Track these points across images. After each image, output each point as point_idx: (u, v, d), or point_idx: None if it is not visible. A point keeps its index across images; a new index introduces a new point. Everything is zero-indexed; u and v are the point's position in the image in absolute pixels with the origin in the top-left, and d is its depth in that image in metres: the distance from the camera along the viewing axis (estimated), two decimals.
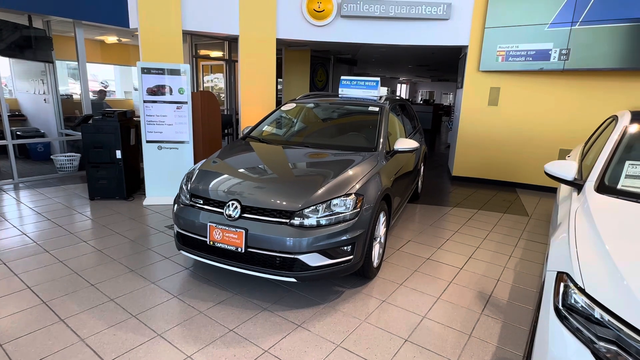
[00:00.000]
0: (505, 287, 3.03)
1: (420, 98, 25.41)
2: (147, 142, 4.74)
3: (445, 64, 11.94)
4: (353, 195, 2.66)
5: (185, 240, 2.83)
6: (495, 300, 2.83)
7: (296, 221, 2.49)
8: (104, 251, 3.38)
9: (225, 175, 2.91)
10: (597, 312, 1.36)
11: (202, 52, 9.28)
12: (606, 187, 2.10)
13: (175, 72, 4.68)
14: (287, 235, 2.45)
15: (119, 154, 4.76)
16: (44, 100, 7.06)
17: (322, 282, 2.94)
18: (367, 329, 2.41)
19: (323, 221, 2.53)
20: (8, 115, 7.76)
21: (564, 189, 2.67)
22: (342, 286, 2.92)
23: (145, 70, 4.61)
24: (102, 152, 4.72)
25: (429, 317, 2.56)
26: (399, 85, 24.20)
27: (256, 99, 6.47)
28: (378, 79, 4.49)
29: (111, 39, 8.84)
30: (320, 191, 2.62)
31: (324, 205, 2.57)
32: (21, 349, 2.11)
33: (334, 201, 2.60)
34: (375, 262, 3.06)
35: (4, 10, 5.10)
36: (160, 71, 4.65)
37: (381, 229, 3.11)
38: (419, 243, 3.83)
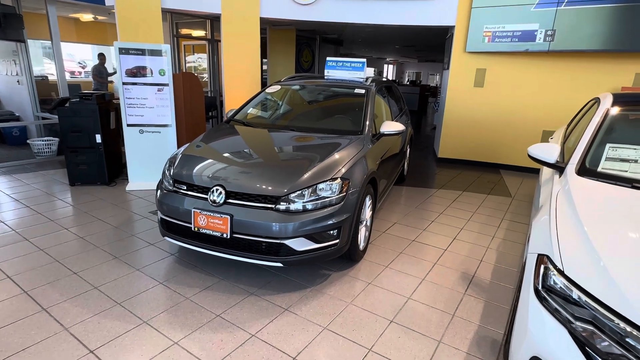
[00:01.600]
0: (487, 267, 3.10)
1: (407, 79, 25.29)
2: (128, 125, 4.61)
3: (432, 44, 11.85)
4: (339, 180, 2.65)
5: (170, 226, 2.79)
6: (478, 280, 2.90)
7: (282, 206, 2.48)
8: (86, 238, 3.31)
9: (209, 160, 2.85)
10: (575, 293, 1.40)
11: (184, 31, 8.97)
12: (587, 169, 2.14)
13: (155, 52, 4.52)
14: (273, 221, 2.44)
15: (98, 138, 4.61)
16: (17, 81, 6.76)
17: (309, 265, 2.96)
18: (353, 311, 2.45)
19: (309, 206, 2.52)
20: None
21: (546, 171, 2.71)
22: (329, 269, 2.95)
23: (124, 51, 4.43)
24: (80, 137, 4.57)
25: (414, 298, 2.61)
26: (385, 66, 24.00)
27: (240, 81, 6.32)
28: (364, 60, 4.42)
29: (87, 17, 8.46)
30: (305, 176, 2.60)
31: (310, 189, 2.56)
32: (3, 340, 2.07)
33: (320, 185, 2.59)
34: (362, 245, 3.08)
35: None
36: (140, 52, 4.48)
37: (367, 213, 3.12)
38: (405, 225, 3.88)
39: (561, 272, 1.47)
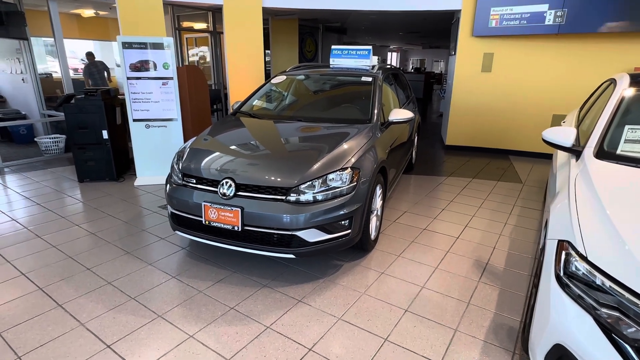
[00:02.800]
0: (501, 254, 3.07)
1: (411, 66, 24.97)
2: (134, 120, 4.60)
3: (437, 30, 11.65)
4: (349, 169, 2.62)
5: (180, 220, 2.78)
6: (491, 267, 2.87)
7: (292, 197, 2.45)
8: (97, 234, 3.33)
9: (218, 153, 2.83)
10: (599, 279, 1.37)
11: (185, 24, 8.90)
12: (605, 152, 2.08)
13: (158, 46, 4.48)
14: (284, 212, 2.42)
15: (105, 134, 4.61)
16: (22, 80, 6.76)
17: (321, 256, 2.94)
18: (367, 301, 2.44)
19: (320, 196, 2.49)
20: None
21: (561, 156, 2.65)
22: (340, 260, 2.93)
23: (127, 45, 4.39)
24: (87, 133, 4.57)
25: (428, 287, 2.59)
26: (389, 53, 23.71)
27: (244, 73, 6.26)
28: (370, 47, 4.34)
29: (88, 13, 8.41)
30: (315, 166, 2.57)
31: (320, 180, 2.53)
32: (20, 336, 2.09)
33: (330, 176, 2.56)
34: (373, 234, 3.06)
35: None
36: (143, 45, 4.44)
37: (378, 202, 3.09)
38: (415, 214, 3.84)
39: (584, 258, 1.43)
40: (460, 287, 2.60)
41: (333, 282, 2.64)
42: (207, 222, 2.57)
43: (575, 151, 2.25)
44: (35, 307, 2.34)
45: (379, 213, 3.19)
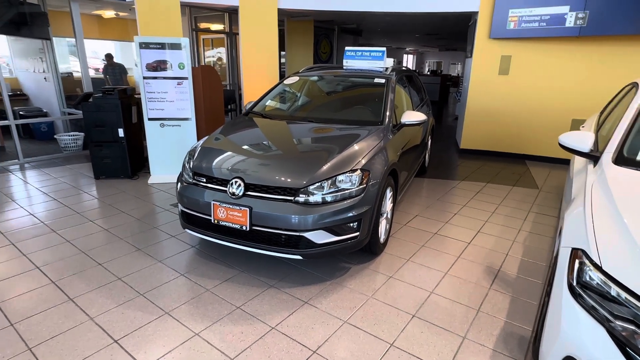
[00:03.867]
0: (514, 261, 2.99)
1: (427, 69, 24.73)
2: (149, 119, 4.67)
3: (454, 32, 11.49)
4: (359, 171, 2.59)
5: (190, 218, 2.81)
6: (503, 274, 2.80)
7: (301, 198, 2.45)
8: (110, 230, 3.38)
9: (228, 153, 2.84)
10: (614, 290, 1.31)
11: (203, 25, 9.03)
12: (625, 158, 2.00)
13: (174, 46, 4.54)
14: (292, 213, 2.41)
15: (121, 132, 4.70)
16: (44, 78, 6.96)
17: (329, 258, 2.92)
18: (374, 305, 2.41)
19: (328, 198, 2.47)
20: (9, 95, 7.72)
21: (578, 161, 2.57)
22: (349, 262, 2.91)
23: (144, 45, 4.47)
24: (104, 131, 4.67)
25: (437, 293, 2.55)
26: (405, 56, 23.53)
27: (259, 73, 6.30)
28: (384, 49, 4.31)
29: (109, 14, 8.61)
30: (325, 167, 2.55)
31: (329, 181, 2.51)
32: (32, 328, 2.14)
33: (340, 177, 2.54)
34: (382, 237, 3.02)
35: None
36: (159, 46, 4.51)
37: (388, 205, 3.06)
38: (426, 218, 3.78)
39: (598, 267, 1.38)
40: (471, 294, 2.54)
41: (340, 285, 2.61)
42: (216, 221, 2.59)
43: (593, 157, 2.18)
44: (48, 301, 2.39)
45: (389, 216, 3.15)
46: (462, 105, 7.07)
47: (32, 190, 4.37)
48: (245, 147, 2.93)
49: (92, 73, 12.20)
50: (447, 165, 5.83)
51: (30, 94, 7.86)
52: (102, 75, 8.24)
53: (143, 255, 2.97)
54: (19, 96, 7.84)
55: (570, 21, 5.27)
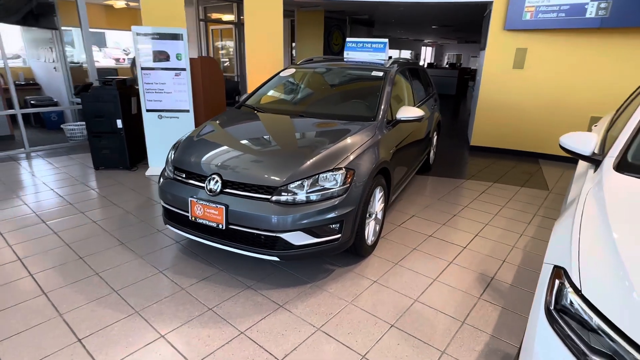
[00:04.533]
0: (510, 269, 2.80)
1: (446, 62, 24.05)
2: (147, 110, 4.63)
3: (472, 24, 11.05)
4: (342, 170, 2.46)
5: (171, 214, 2.74)
6: (497, 283, 2.62)
7: (279, 197, 2.33)
8: (98, 222, 3.36)
9: (209, 148, 2.74)
10: (595, 321, 1.14)
11: (214, 15, 8.95)
12: (629, 164, 1.79)
13: (172, 36, 4.46)
14: (269, 213, 2.30)
15: (119, 123, 4.68)
16: (54, 68, 7.04)
17: (314, 259, 2.81)
18: (352, 311, 2.28)
19: (308, 197, 2.35)
20: (23, 84, 7.86)
21: (581, 165, 2.36)
22: (333, 264, 2.78)
23: (142, 35, 4.41)
24: (103, 122, 4.66)
25: (421, 301, 2.40)
26: (423, 48, 22.93)
27: (263, 65, 6.17)
28: (386, 40, 4.12)
29: (119, 4, 8.63)
30: (306, 165, 2.42)
31: (310, 180, 2.39)
32: (1, 322, 2.11)
33: (321, 176, 2.41)
34: (371, 239, 2.88)
35: None
36: (157, 36, 4.44)
37: (377, 205, 2.90)
38: (423, 219, 3.61)
39: (578, 292, 1.21)
40: (458, 304, 2.38)
41: (320, 288, 2.50)
42: (193, 218, 2.51)
43: (594, 160, 1.97)
44: (22, 294, 2.37)
45: (379, 217, 3.00)
46: (474, 100, 6.78)
47: (31, 180, 4.41)
48: (227, 142, 2.83)
49: (112, 63, 12.35)
50: (454, 163, 5.60)
51: (42, 83, 7.98)
52: (118, 66, 8.31)
53: (126, 249, 2.93)
54: (32, 85, 7.97)
55: (591, 11, 4.93)
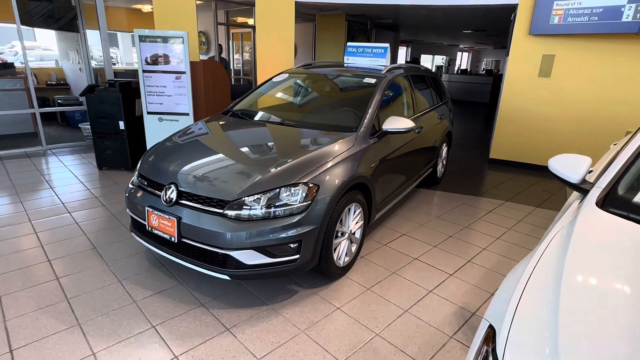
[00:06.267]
0: None
1: (482, 68, 23.03)
2: (148, 113, 4.65)
3: (506, 28, 10.43)
4: (303, 185, 2.26)
5: (134, 223, 2.66)
6: (477, 320, 2.31)
7: (231, 212, 2.17)
8: (80, 224, 3.36)
9: (173, 156, 2.63)
10: None
11: (238, 19, 9.02)
12: (618, 199, 1.47)
13: (173, 40, 4.46)
14: (220, 228, 2.14)
15: (122, 124, 4.73)
16: (80, 69, 7.34)
17: (279, 278, 2.62)
18: (301, 342, 2.07)
19: (263, 213, 2.18)
20: (54, 84, 8.26)
21: (571, 194, 2.02)
22: (299, 285, 2.59)
23: (143, 39, 4.44)
24: (106, 123, 4.73)
25: (383, 336, 2.15)
26: (459, 53, 22.10)
27: (272, 69, 6.08)
28: (387, 45, 3.89)
29: (147, 8, 8.89)
30: (264, 177, 2.25)
31: (268, 194, 2.21)
32: None
33: (279, 190, 2.23)
34: (344, 260, 2.66)
35: None
36: (158, 39, 4.45)
37: (352, 224, 2.67)
38: (414, 238, 3.33)
39: None
40: (424, 343, 2.11)
41: (276, 312, 2.31)
42: (149, 229, 2.41)
43: (582, 189, 1.65)
44: None
45: (357, 236, 2.77)
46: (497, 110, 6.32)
47: (35, 177, 4.55)
48: (191, 150, 2.70)
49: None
50: (468, 177, 5.21)
51: (70, 83, 8.36)
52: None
53: (95, 254, 2.88)
54: (62, 85, 8.37)
55: (627, 15, 4.41)
